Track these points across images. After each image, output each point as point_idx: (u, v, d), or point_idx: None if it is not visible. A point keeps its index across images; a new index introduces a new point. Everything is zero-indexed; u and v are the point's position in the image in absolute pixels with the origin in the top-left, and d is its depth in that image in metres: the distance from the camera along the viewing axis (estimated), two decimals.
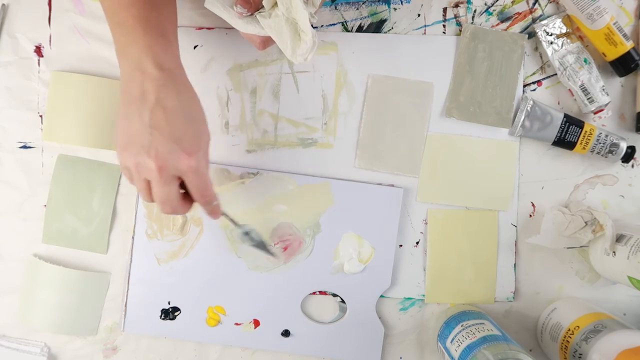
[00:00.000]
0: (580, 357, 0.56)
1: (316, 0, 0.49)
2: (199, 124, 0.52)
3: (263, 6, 0.50)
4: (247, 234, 0.62)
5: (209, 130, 0.54)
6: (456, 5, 0.65)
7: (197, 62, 0.64)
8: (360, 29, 0.65)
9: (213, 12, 0.52)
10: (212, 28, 0.64)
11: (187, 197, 0.53)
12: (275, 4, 0.49)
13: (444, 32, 0.65)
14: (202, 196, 0.53)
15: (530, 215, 0.65)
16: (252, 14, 0.50)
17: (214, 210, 0.55)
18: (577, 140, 0.63)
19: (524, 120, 0.63)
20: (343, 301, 0.65)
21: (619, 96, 0.65)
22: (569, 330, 0.58)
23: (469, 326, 0.58)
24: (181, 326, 0.64)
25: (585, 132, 0.62)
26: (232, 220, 0.60)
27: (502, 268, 0.65)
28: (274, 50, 0.64)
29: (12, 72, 0.64)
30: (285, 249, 0.63)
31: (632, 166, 0.65)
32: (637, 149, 0.64)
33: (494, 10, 0.65)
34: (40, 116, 0.65)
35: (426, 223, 0.65)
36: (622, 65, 0.62)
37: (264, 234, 0.63)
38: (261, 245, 0.62)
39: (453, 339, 0.58)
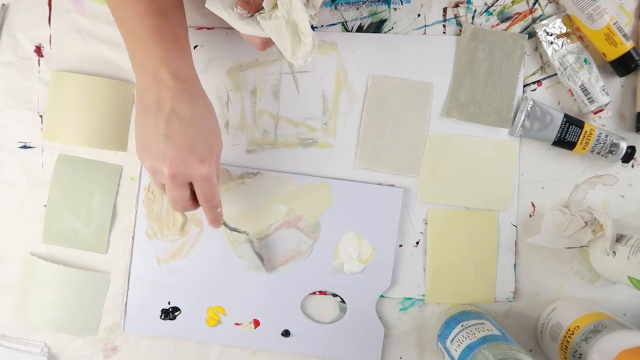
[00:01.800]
0: (580, 357, 0.56)
1: (316, 2, 0.49)
2: (212, 133, 0.54)
3: (263, 7, 0.50)
4: (250, 241, 0.63)
5: (221, 138, 0.55)
6: (456, 5, 0.65)
7: (197, 62, 0.64)
8: (360, 29, 0.65)
9: (213, 13, 0.52)
10: (212, 28, 0.64)
11: (196, 198, 0.55)
12: (276, 5, 0.49)
13: (444, 32, 0.65)
14: (208, 202, 0.55)
15: (530, 215, 0.65)
16: (252, 15, 0.50)
17: (216, 218, 0.57)
18: (577, 140, 0.63)
19: (524, 120, 0.63)
20: (343, 301, 0.65)
21: (619, 96, 0.65)
22: (569, 330, 0.58)
23: (469, 326, 0.58)
24: (181, 326, 0.64)
25: (585, 132, 0.62)
26: (234, 229, 0.62)
27: (502, 268, 0.65)
28: (273, 50, 0.64)
29: (12, 72, 0.64)
30: (286, 259, 0.64)
31: (632, 166, 0.65)
32: (637, 149, 0.64)
33: (494, 10, 0.65)
34: (40, 116, 0.65)
35: (426, 223, 0.65)
36: (622, 65, 0.62)
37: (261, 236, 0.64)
38: (258, 256, 0.64)
39: (453, 339, 0.58)
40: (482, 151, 0.65)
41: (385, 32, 0.65)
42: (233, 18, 0.50)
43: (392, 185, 0.65)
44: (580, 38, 0.64)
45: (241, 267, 0.64)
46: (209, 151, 0.52)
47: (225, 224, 0.60)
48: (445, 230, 0.65)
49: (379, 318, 0.65)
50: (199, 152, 0.51)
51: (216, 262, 0.64)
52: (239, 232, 0.63)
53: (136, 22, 0.51)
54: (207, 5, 0.50)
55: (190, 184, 0.54)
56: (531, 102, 0.63)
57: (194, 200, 0.55)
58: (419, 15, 0.65)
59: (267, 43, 0.53)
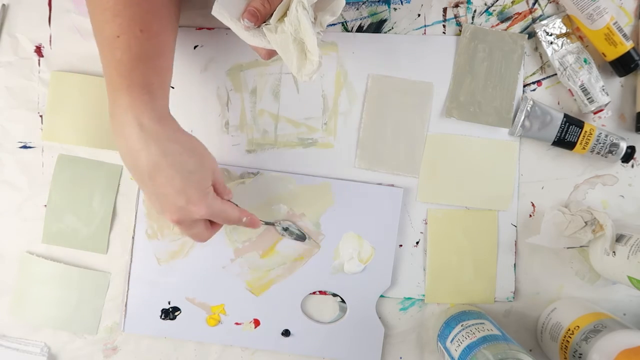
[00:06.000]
0: (580, 357, 0.56)
1: (324, 21, 0.49)
2: (199, 169, 0.52)
3: (270, 18, 0.50)
4: (286, 229, 0.63)
5: (212, 158, 0.54)
6: (456, 5, 0.65)
7: (197, 62, 0.64)
8: (360, 29, 0.65)
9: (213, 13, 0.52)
10: (212, 28, 0.64)
11: (215, 223, 0.56)
12: (282, 18, 0.49)
13: (444, 32, 0.65)
14: (227, 223, 0.55)
15: (530, 215, 0.65)
16: (258, 27, 0.50)
17: (248, 225, 0.57)
18: (577, 140, 0.63)
19: (524, 120, 0.63)
20: (343, 301, 0.65)
21: (619, 96, 0.65)
22: (569, 330, 0.58)
23: (469, 326, 0.58)
24: (181, 326, 0.64)
25: (585, 132, 0.62)
26: (268, 222, 0.62)
27: (502, 268, 0.65)
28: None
29: (12, 72, 0.64)
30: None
31: (632, 166, 0.65)
32: (637, 149, 0.64)
33: (494, 10, 0.65)
34: (40, 116, 0.65)
35: (426, 223, 0.65)
36: (622, 65, 0.62)
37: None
38: (301, 238, 0.63)
39: (453, 339, 0.58)
40: (482, 151, 0.65)
41: (385, 32, 0.65)
42: (239, 29, 0.51)
43: (392, 185, 0.65)
44: (580, 38, 0.64)
45: (241, 267, 0.64)
46: (201, 191, 0.51)
47: (265, 222, 0.61)
48: (445, 230, 0.65)
49: (379, 318, 0.65)
50: (192, 197, 0.50)
51: (216, 262, 0.64)
52: (274, 224, 0.63)
53: (111, 67, 0.50)
54: (213, 13, 0.50)
55: (202, 219, 0.54)
56: (531, 102, 0.63)
57: (214, 226, 0.56)
58: (419, 15, 0.65)
59: (272, 53, 0.53)
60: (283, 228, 0.63)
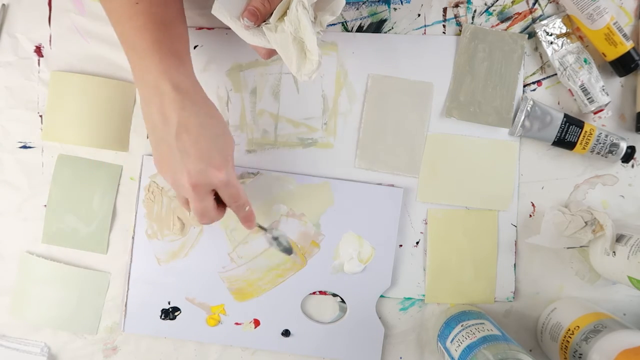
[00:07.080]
0: (580, 357, 0.56)
1: (324, 20, 0.49)
2: (223, 138, 0.53)
3: (270, 17, 0.50)
4: (276, 238, 0.63)
5: (232, 138, 0.55)
6: (456, 5, 0.65)
7: (197, 62, 0.64)
8: (360, 29, 0.65)
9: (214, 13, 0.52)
10: (212, 28, 0.64)
11: (221, 205, 0.56)
12: (282, 18, 0.49)
13: (444, 32, 0.65)
14: (235, 202, 0.55)
15: (530, 215, 0.65)
16: (258, 26, 0.50)
17: (247, 217, 0.57)
18: (577, 140, 0.63)
19: (524, 120, 0.63)
20: (343, 301, 0.65)
21: (619, 96, 0.65)
22: (569, 330, 0.58)
23: (469, 326, 0.58)
24: (181, 326, 0.64)
25: (585, 132, 0.62)
26: (261, 227, 0.62)
27: (502, 268, 0.65)
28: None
29: (12, 72, 0.64)
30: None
31: (632, 166, 0.65)
32: (637, 149, 0.64)
33: (494, 10, 0.65)
34: (40, 116, 0.65)
35: (426, 223, 0.65)
36: (622, 65, 0.62)
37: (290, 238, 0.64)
38: (288, 251, 0.63)
39: (453, 339, 0.58)
40: (482, 151, 0.65)
41: (385, 32, 0.65)
42: (239, 28, 0.51)
43: (392, 185, 0.65)
44: (580, 38, 0.64)
45: (241, 267, 0.64)
46: (223, 157, 0.52)
47: (258, 225, 0.60)
48: (445, 230, 0.65)
49: (379, 318, 0.65)
50: (215, 160, 0.51)
51: (216, 262, 0.64)
52: (266, 229, 0.63)
53: (135, 35, 0.51)
54: (213, 12, 0.51)
55: (213, 193, 0.54)
56: (531, 102, 0.63)
57: (219, 209, 0.55)
58: (419, 15, 0.65)
59: (272, 52, 0.53)
60: (273, 237, 0.63)
